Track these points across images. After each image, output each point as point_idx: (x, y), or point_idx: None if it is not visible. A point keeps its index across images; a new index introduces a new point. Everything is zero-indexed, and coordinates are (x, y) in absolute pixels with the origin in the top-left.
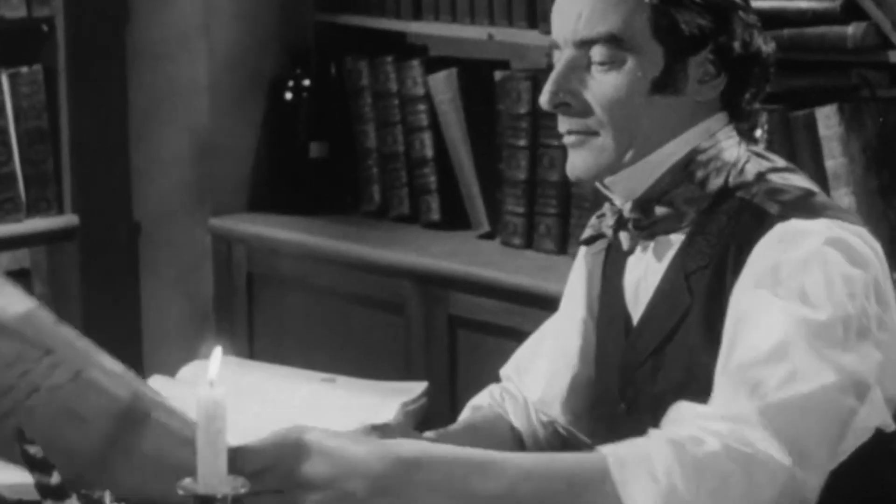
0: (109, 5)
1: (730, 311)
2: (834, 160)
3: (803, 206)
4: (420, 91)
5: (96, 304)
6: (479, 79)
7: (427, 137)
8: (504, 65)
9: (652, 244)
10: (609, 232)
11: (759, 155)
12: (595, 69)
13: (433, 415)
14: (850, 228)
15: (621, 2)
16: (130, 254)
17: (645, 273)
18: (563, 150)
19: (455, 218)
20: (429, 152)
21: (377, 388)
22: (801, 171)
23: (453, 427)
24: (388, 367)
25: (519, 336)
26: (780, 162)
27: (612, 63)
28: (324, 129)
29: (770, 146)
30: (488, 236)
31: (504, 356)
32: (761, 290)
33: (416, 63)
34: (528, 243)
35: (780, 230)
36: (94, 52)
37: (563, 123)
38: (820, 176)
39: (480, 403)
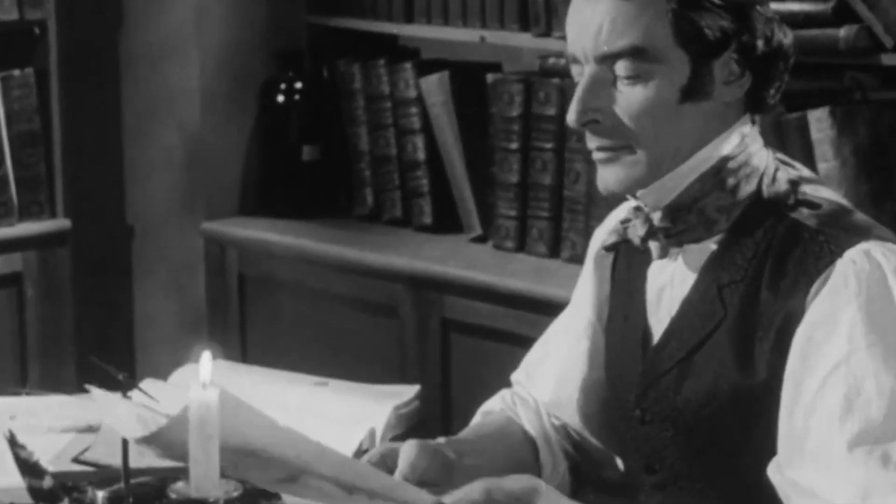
0: (101, 8)
1: (809, 367)
2: (826, 163)
3: (844, 225)
4: (412, 94)
5: (89, 307)
6: (472, 81)
7: (419, 140)
8: (496, 67)
9: (679, 252)
10: (637, 241)
11: (784, 162)
12: (621, 83)
13: (426, 418)
14: (894, 249)
15: (641, 12)
16: (123, 257)
17: (671, 281)
18: (555, 153)
19: (447, 221)
20: (421, 155)
21: (370, 392)
22: (826, 182)
23: (465, 432)
24: (381, 370)
25: (511, 339)
26: (805, 171)
27: (639, 76)
28: (316, 132)
29: None
30: (480, 239)
31: (497, 359)
32: (856, 349)
33: (408, 66)
34: (521, 246)
35: (842, 271)
36: (87, 55)
37: (592, 140)
38: None
39: (492, 408)
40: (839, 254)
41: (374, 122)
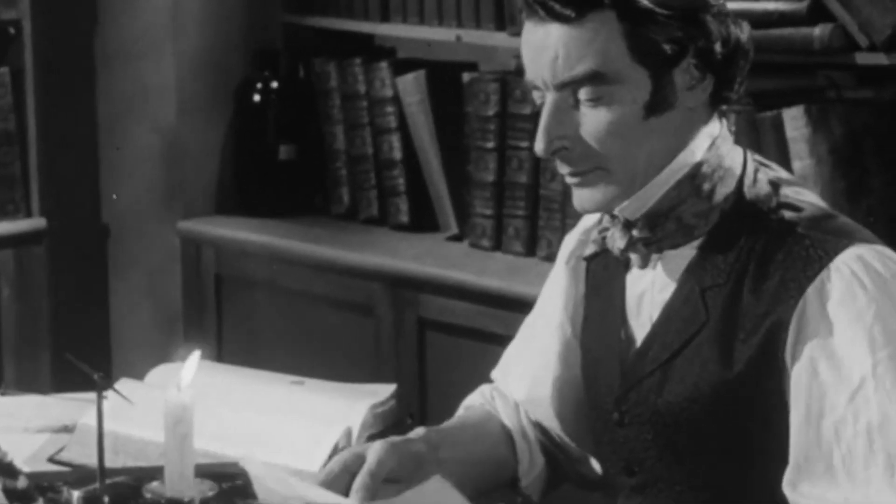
0: (77, 8)
1: (809, 374)
2: (801, 161)
3: (828, 228)
4: (388, 93)
5: (64, 307)
6: (448, 81)
7: (395, 139)
8: (472, 67)
9: (659, 257)
10: (617, 252)
11: (762, 163)
12: (584, 106)
13: (403, 417)
14: (885, 252)
15: (594, 36)
16: (99, 257)
17: (651, 286)
18: (531, 151)
19: (424, 220)
20: (397, 154)
21: (346, 391)
22: (805, 183)
23: (446, 424)
24: (358, 369)
25: (488, 338)
26: (783, 172)
27: (601, 98)
28: (292, 132)
29: None
30: (457, 238)
31: (473, 358)
32: (850, 355)
33: (384, 65)
34: (497, 245)
35: (844, 282)
36: (62, 54)
37: (563, 167)
38: None
39: (472, 402)
40: (828, 259)
41: (351, 121)
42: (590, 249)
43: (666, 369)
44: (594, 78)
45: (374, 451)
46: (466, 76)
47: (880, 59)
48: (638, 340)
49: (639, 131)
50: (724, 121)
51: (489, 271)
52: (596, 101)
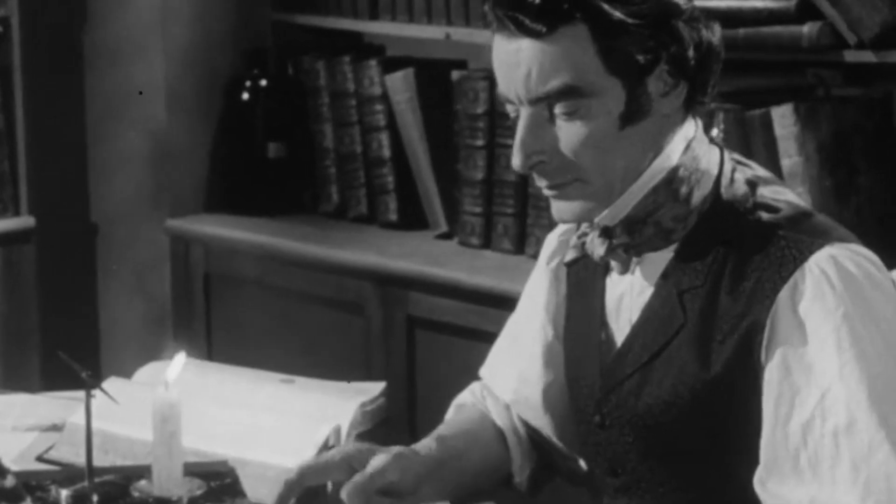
0: (65, 6)
1: (783, 373)
2: (790, 159)
3: (804, 228)
4: (377, 91)
5: (53, 305)
6: (437, 79)
7: (384, 137)
8: (461, 65)
9: (638, 260)
10: (598, 258)
11: (740, 162)
12: (559, 119)
13: (392, 415)
14: (860, 252)
15: (567, 50)
16: (87, 255)
17: (630, 289)
18: None
19: (413, 218)
20: (386, 152)
21: (336, 389)
22: (782, 182)
23: (444, 430)
24: (347, 367)
25: (477, 336)
26: (761, 170)
27: (576, 111)
28: (281, 130)
29: (726, 145)
30: (446, 236)
31: (462, 356)
32: (818, 358)
33: (373, 63)
34: (486, 243)
35: (815, 283)
36: (51, 52)
37: (541, 180)
38: (776, 175)
39: (464, 401)
40: (802, 259)
41: (340, 119)
42: (570, 255)
43: (645, 372)
44: (568, 92)
45: (381, 459)
46: (455, 74)
47: (869, 56)
48: (618, 343)
49: (615, 141)
50: (698, 121)
51: (478, 269)
52: (571, 114)
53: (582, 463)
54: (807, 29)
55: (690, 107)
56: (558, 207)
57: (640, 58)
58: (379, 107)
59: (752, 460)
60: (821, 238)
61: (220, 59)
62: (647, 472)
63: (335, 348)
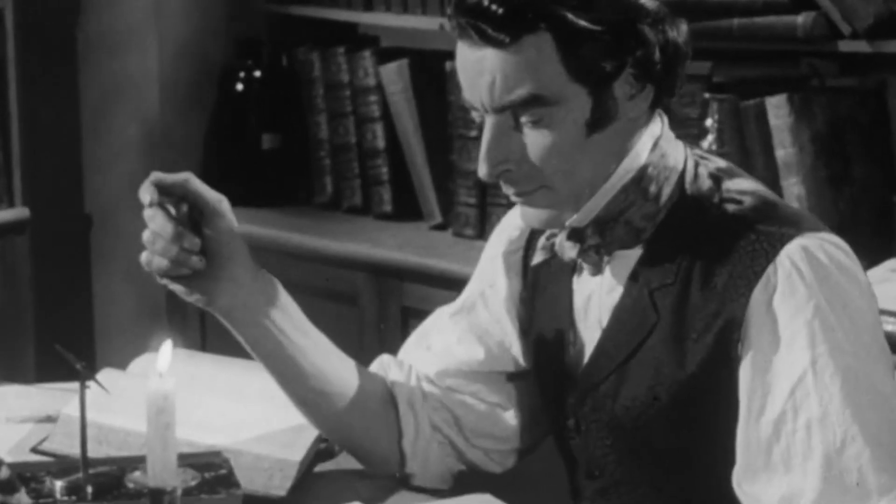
0: None
1: (757, 370)
2: (784, 150)
3: (773, 220)
4: (372, 82)
5: (48, 297)
6: (431, 69)
7: (379, 128)
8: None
9: (608, 259)
10: (569, 260)
11: (702, 157)
12: (525, 127)
13: None
14: (831, 240)
15: (531, 59)
16: (82, 246)
17: (599, 288)
18: None
19: (407, 209)
20: (381, 143)
21: None
22: (745, 172)
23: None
24: None
25: None
26: (721, 161)
27: (541, 120)
28: (275, 121)
29: (720, 136)
30: (440, 227)
31: None
32: (792, 351)
33: (367, 54)
34: (481, 234)
35: (787, 276)
36: (45, 43)
37: (508, 188)
38: (770, 165)
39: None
40: (774, 253)
41: (334, 110)
42: (539, 257)
43: (620, 374)
44: (533, 101)
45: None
46: (450, 65)
47: (863, 47)
48: (587, 344)
49: (582, 148)
50: (664, 118)
51: (473, 260)
52: (536, 122)
53: (489, 455)
54: (801, 19)
55: (657, 106)
56: (526, 214)
57: (606, 64)
58: (373, 97)
59: (732, 459)
60: (791, 228)
61: (214, 50)
62: (626, 474)
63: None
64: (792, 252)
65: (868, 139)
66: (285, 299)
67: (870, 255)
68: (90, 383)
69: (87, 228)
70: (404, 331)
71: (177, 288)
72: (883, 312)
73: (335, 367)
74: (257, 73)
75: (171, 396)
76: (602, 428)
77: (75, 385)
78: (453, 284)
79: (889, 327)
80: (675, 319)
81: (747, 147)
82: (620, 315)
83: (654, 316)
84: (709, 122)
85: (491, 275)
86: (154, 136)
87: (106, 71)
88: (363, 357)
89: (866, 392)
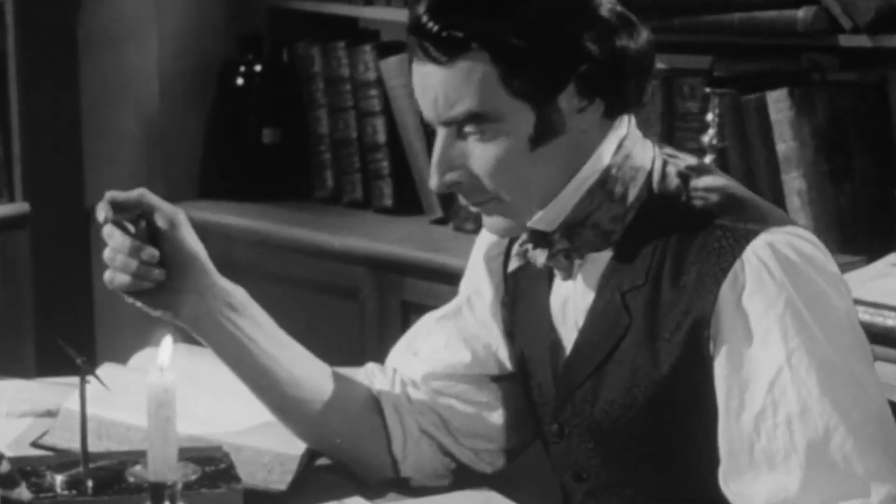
0: None
1: (733, 366)
2: (785, 144)
3: (739, 216)
4: (372, 76)
5: (48, 292)
6: None
7: (380, 123)
8: None
9: (580, 263)
10: (541, 265)
11: (671, 155)
12: (471, 140)
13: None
14: (799, 234)
15: (468, 79)
16: (82, 241)
17: (573, 292)
18: None
19: (408, 203)
20: (381, 137)
21: None
22: (715, 168)
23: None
24: (342, 353)
25: None
26: (691, 159)
27: (484, 134)
28: (276, 115)
29: (721, 130)
30: (441, 222)
31: None
32: (767, 346)
33: (368, 48)
34: (481, 229)
35: (755, 273)
36: (45, 38)
37: (462, 199)
38: (771, 160)
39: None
40: (741, 249)
41: (334, 104)
42: (514, 264)
43: (597, 377)
44: (474, 117)
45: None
46: None
47: (864, 41)
48: (567, 348)
49: (528, 162)
50: (632, 118)
51: None
52: (481, 136)
53: (479, 456)
54: (802, 13)
55: (619, 113)
56: (486, 223)
57: (546, 81)
58: (374, 92)
59: (716, 458)
60: (757, 224)
61: (214, 45)
62: (612, 476)
63: (330, 334)
64: (758, 248)
65: (869, 133)
66: (253, 307)
67: (870, 249)
68: (90, 378)
69: (87, 223)
70: (404, 325)
71: (142, 305)
72: (883, 307)
73: (310, 374)
74: (257, 68)
75: (172, 391)
76: (584, 432)
77: (76, 380)
78: (454, 279)
79: (890, 322)
80: (647, 320)
81: (748, 141)
82: (593, 319)
83: (627, 318)
84: (709, 116)
85: (476, 280)
86: (154, 130)
87: (106, 65)
88: (363, 350)
89: (844, 382)
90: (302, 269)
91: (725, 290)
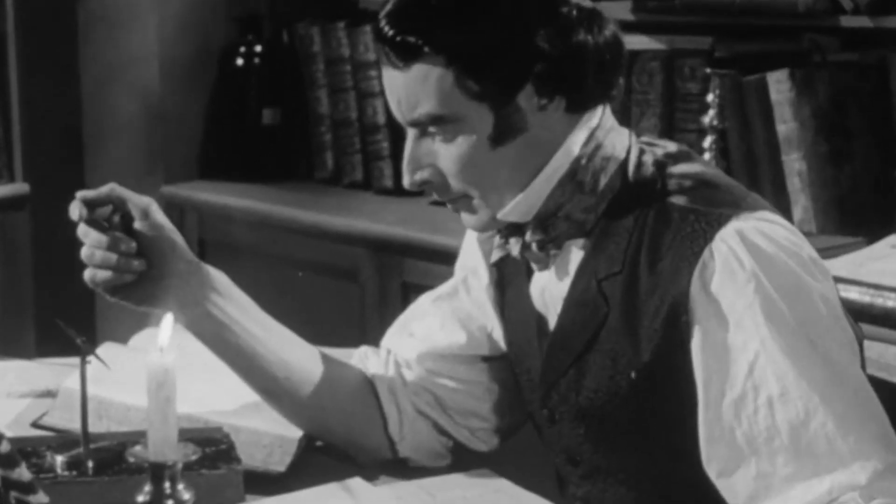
0: None
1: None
2: (785, 125)
3: (711, 201)
4: (372, 57)
5: (48, 272)
6: None
7: (379, 103)
8: None
9: (556, 253)
10: (517, 256)
11: (649, 143)
12: (437, 140)
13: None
14: (770, 219)
15: (424, 82)
16: None
17: (549, 282)
18: None
19: None
20: (381, 118)
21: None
22: (695, 155)
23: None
24: (342, 334)
25: None
26: (671, 146)
27: (446, 134)
28: (276, 96)
29: (722, 111)
30: (441, 203)
31: None
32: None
33: (368, 29)
34: None
35: (724, 261)
36: (45, 19)
37: (435, 196)
38: (771, 141)
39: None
40: (712, 234)
41: (335, 85)
42: (496, 255)
43: (579, 367)
44: (434, 119)
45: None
46: None
47: (864, 22)
48: (550, 337)
49: (491, 160)
50: (606, 108)
51: None
52: (443, 137)
53: (475, 434)
54: None
55: (583, 108)
56: (462, 218)
57: (501, 82)
58: (374, 73)
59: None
60: (728, 209)
61: (214, 26)
62: (603, 460)
63: (330, 315)
64: (727, 236)
65: (869, 114)
66: (236, 291)
67: (870, 231)
68: (90, 358)
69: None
70: (405, 306)
71: (126, 301)
72: (883, 288)
73: (299, 357)
74: (258, 49)
75: (172, 371)
76: (573, 419)
77: (76, 360)
78: (454, 260)
79: (889, 303)
80: (625, 308)
81: (748, 122)
82: (570, 308)
83: (605, 306)
84: (710, 97)
85: (472, 260)
86: (154, 111)
87: (106, 47)
88: (363, 332)
89: (821, 363)
90: (302, 250)
91: (696, 277)
